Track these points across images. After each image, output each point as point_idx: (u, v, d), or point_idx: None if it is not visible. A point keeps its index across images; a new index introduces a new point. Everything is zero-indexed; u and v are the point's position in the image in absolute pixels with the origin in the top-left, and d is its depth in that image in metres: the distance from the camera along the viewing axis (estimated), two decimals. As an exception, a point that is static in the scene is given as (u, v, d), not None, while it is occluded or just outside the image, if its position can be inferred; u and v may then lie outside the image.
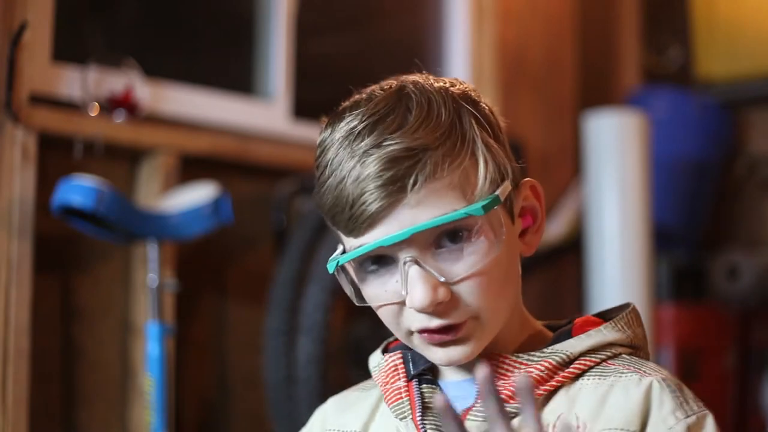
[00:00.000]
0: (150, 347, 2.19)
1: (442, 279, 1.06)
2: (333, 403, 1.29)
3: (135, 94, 2.38)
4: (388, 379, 1.19)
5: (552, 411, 1.10)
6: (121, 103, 2.35)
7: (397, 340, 1.22)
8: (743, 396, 3.91)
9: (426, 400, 1.15)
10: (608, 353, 1.13)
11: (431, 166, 1.05)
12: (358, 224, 1.07)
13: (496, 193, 1.08)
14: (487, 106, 1.15)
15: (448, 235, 1.07)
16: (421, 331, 1.09)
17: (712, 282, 3.91)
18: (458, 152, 1.08)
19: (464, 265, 1.07)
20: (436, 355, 1.11)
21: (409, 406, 1.15)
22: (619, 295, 2.94)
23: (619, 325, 1.15)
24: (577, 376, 1.11)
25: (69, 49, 2.36)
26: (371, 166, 1.05)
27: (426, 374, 1.17)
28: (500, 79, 3.46)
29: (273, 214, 2.73)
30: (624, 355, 1.14)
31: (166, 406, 2.16)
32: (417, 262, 1.06)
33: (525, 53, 3.59)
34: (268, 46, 2.88)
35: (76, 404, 2.30)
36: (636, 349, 1.17)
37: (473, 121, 1.10)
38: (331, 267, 1.11)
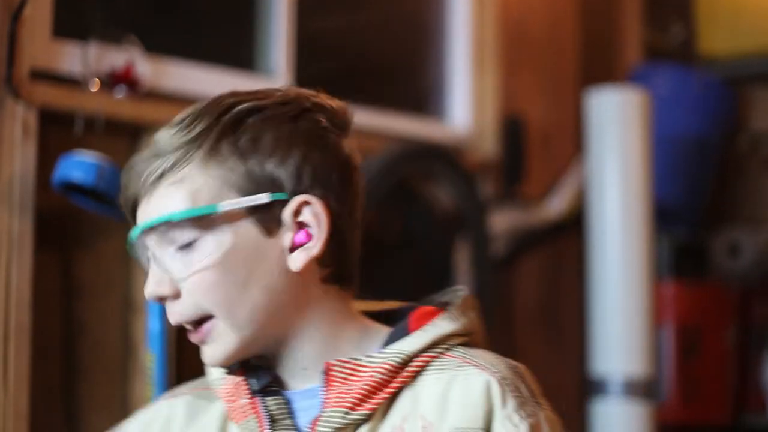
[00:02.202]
0: (151, 323, 2.19)
1: (167, 274, 1.14)
2: (184, 403, 1.30)
3: (136, 70, 2.38)
4: (232, 396, 1.22)
5: (398, 411, 1.14)
6: (122, 79, 2.35)
7: None
8: (744, 373, 3.92)
9: (272, 412, 1.18)
10: (445, 346, 1.17)
11: (161, 171, 1.15)
12: (126, 207, 1.19)
13: (216, 204, 1.13)
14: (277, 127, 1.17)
15: (177, 241, 1.15)
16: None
17: (713, 259, 3.92)
18: (188, 161, 1.15)
19: (186, 265, 1.14)
20: (202, 355, 1.19)
21: (257, 423, 1.17)
22: (620, 272, 2.95)
23: (453, 315, 1.19)
24: (417, 374, 1.15)
25: (70, 24, 2.35)
26: (134, 158, 1.19)
27: (272, 386, 1.20)
28: (502, 56, 3.45)
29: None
30: (459, 347, 1.18)
31: (167, 382, 2.17)
32: (152, 256, 1.16)
33: (527, 30, 3.58)
34: (269, 22, 2.87)
35: (77, 380, 2.30)
36: (471, 334, 1.20)
37: (224, 138, 1.16)
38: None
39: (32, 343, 2.11)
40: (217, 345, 1.16)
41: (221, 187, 1.14)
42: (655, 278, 3.07)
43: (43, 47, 2.25)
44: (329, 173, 1.18)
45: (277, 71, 2.84)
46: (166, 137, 1.18)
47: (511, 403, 1.11)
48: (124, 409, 2.32)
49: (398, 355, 1.14)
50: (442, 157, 2.96)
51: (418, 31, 3.47)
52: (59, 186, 2.10)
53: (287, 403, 1.19)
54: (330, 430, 1.13)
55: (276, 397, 1.19)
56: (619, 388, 2.90)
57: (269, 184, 1.14)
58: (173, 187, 1.14)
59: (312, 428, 1.14)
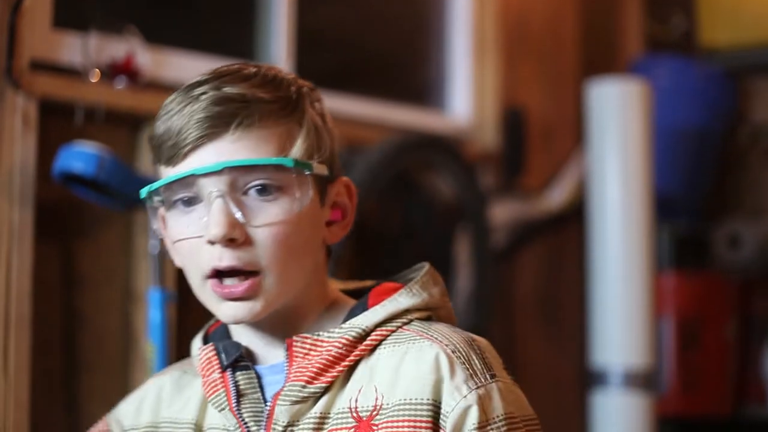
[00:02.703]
0: (152, 314, 2.19)
1: (242, 219, 1.13)
2: (170, 379, 1.33)
3: (136, 61, 2.38)
4: (205, 372, 1.24)
5: (355, 383, 1.17)
6: (122, 70, 2.35)
7: (217, 323, 1.30)
8: (744, 365, 3.92)
9: (241, 388, 1.21)
10: (403, 320, 1.20)
11: (259, 114, 1.15)
12: (179, 149, 1.15)
13: (312, 162, 1.17)
14: (324, 109, 1.26)
15: (259, 188, 1.15)
16: (212, 276, 1.15)
17: (714, 251, 3.91)
18: (288, 114, 1.18)
19: (265, 214, 1.15)
20: (224, 311, 1.17)
21: (225, 397, 1.20)
22: (620, 264, 2.95)
23: (413, 290, 1.22)
24: (374, 348, 1.19)
25: (70, 15, 2.35)
26: (203, 102, 1.15)
27: (243, 361, 1.22)
28: (502, 47, 3.45)
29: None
30: (417, 321, 1.21)
31: (168, 373, 2.17)
32: (223, 197, 1.14)
33: (527, 21, 3.58)
34: (270, 13, 2.86)
35: (78, 371, 2.30)
36: (433, 309, 1.24)
37: (309, 103, 1.21)
38: (143, 193, 1.19)
39: (33, 334, 2.11)
40: (257, 302, 1.16)
41: (303, 149, 1.18)
42: (656, 270, 3.06)
43: (43, 38, 2.25)
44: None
45: (277, 62, 2.83)
46: (243, 88, 1.17)
47: (461, 375, 1.13)
48: (125, 400, 2.32)
49: (354, 329, 1.18)
50: (442, 149, 2.96)
51: (419, 22, 3.46)
52: (60, 177, 2.10)
53: (258, 377, 1.22)
54: (289, 403, 1.16)
55: (246, 371, 1.22)
56: (619, 380, 2.91)
57: (326, 155, 1.22)
58: (264, 136, 1.16)
59: (273, 402, 1.18)
